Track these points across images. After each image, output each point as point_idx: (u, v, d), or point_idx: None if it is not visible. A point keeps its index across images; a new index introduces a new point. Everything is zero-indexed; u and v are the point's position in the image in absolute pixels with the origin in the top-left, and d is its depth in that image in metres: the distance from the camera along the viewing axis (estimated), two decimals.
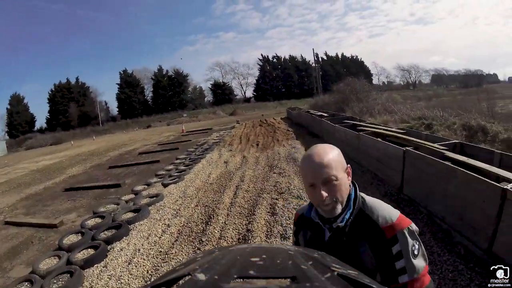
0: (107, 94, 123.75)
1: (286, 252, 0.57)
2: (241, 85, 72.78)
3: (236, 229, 5.20)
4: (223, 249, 0.63)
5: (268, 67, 69.91)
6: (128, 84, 61.46)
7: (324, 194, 1.11)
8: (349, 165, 1.21)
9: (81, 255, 5.01)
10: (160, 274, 4.15)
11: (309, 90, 60.14)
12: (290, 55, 72.28)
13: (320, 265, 0.53)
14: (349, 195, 1.20)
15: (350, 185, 1.21)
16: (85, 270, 4.59)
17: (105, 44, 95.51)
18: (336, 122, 11.90)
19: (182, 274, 0.50)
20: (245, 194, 6.81)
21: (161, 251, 4.84)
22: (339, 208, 1.16)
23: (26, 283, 4.44)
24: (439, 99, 32.71)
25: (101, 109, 62.32)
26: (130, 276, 4.24)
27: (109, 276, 4.30)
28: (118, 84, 62.11)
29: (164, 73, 64.38)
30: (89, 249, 5.17)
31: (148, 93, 65.18)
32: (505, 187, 3.31)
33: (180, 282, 0.50)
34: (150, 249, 4.95)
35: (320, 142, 7.80)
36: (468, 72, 72.66)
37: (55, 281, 4.35)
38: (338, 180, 1.13)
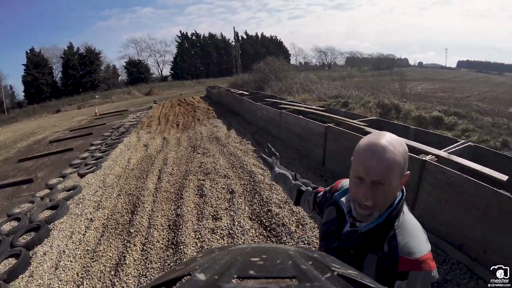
0: (13, 77, 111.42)
1: (286, 252, 0.57)
2: (157, 63, 69.90)
3: (165, 216, 5.03)
4: (223, 249, 0.63)
5: (186, 45, 67.80)
6: (36, 65, 54.25)
7: (368, 195, 0.98)
8: (408, 171, 1.02)
9: (2, 267, 4.41)
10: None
11: (228, 69, 59.87)
12: (209, 33, 70.73)
13: (320, 265, 0.52)
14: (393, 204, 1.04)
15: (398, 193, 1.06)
16: (10, 284, 4.06)
17: (10, 20, 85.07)
18: (257, 100, 11.97)
19: (182, 274, 0.49)
20: (170, 178, 6.59)
21: (88, 250, 4.48)
22: (374, 216, 1.02)
23: None
24: (353, 79, 34.95)
25: (6, 95, 54.66)
26: (60, 283, 3.87)
27: (37, 286, 3.89)
28: (24, 65, 54.84)
29: (75, 50, 58.27)
30: (10, 259, 4.57)
31: (58, 73, 58.68)
32: (424, 158, 3.73)
33: (180, 282, 0.49)
34: (76, 248, 4.55)
35: (242, 121, 8.79)
36: (381, 56, 79.18)
37: None
38: (390, 186, 0.97)
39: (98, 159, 9.16)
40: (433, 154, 4.11)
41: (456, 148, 4.42)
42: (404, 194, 1.07)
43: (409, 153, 3.49)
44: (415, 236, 1.01)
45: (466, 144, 4.59)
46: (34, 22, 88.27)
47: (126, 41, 79.90)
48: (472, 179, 3.12)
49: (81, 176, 7.95)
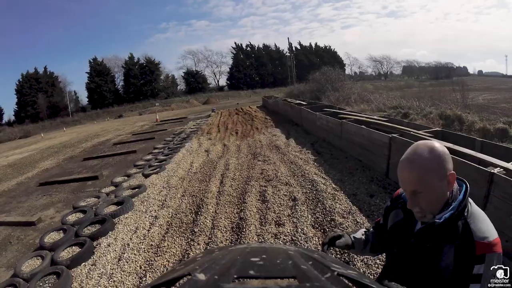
0: (76, 83, 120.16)
1: (286, 252, 0.58)
2: (214, 74, 72.35)
3: (228, 218, 5.08)
4: (223, 249, 0.64)
5: (241, 56, 69.54)
6: (98, 73, 59.23)
7: (412, 203, 1.12)
8: (452, 172, 1.09)
9: (65, 253, 4.67)
10: (161, 273, 4.02)
11: (283, 79, 60.41)
12: (264, 44, 72.19)
13: (320, 265, 0.54)
14: (457, 198, 1.13)
15: (455, 189, 1.14)
16: (72, 270, 4.27)
17: (74, 32, 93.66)
18: (316, 110, 11.92)
19: (182, 274, 0.50)
20: (232, 183, 6.72)
21: (152, 245, 4.61)
22: (428, 217, 1.13)
23: None
24: (411, 89, 33.74)
25: (70, 100, 60.29)
26: (122, 273, 3.99)
27: (99, 275, 4.03)
28: (87, 73, 59.74)
29: (135, 61, 62.28)
30: (73, 247, 4.82)
31: (119, 82, 63.30)
32: (492, 171, 3.55)
33: (181, 282, 0.49)
34: (140, 243, 4.70)
35: (300, 130, 9.33)
36: (438, 64, 75.67)
37: (41, 283, 4.01)
38: (427, 192, 1.09)
39: (162, 162, 9.55)
40: (501, 167, 3.89)
41: None
42: (468, 186, 1.15)
43: (477, 165, 3.24)
44: (485, 222, 1.09)
45: None
46: (95, 34, 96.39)
47: (184, 53, 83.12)
48: None
49: (146, 176, 8.32)
